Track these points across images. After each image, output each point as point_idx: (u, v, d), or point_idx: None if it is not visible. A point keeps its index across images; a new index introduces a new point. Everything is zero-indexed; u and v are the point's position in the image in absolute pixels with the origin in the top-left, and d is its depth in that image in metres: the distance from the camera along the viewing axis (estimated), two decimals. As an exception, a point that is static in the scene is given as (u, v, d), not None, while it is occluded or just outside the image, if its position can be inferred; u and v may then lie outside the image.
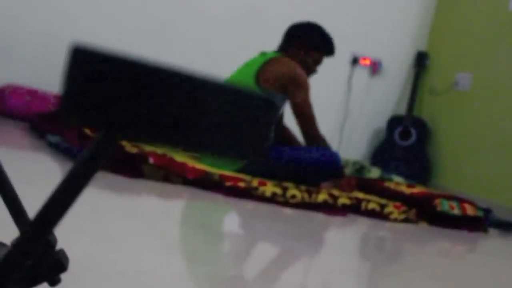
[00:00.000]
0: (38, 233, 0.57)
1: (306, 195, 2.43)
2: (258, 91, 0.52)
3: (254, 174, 2.66)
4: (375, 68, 4.62)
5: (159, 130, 0.49)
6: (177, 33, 3.95)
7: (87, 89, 0.47)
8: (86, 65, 0.47)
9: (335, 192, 2.56)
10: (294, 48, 2.94)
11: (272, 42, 4.26)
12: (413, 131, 4.50)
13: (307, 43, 2.92)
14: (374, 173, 3.30)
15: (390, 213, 2.57)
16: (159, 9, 3.87)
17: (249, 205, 2.22)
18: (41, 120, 2.82)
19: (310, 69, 2.95)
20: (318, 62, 2.96)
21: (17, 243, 0.57)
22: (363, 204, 2.55)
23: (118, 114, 0.48)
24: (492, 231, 2.91)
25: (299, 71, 2.82)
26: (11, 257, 0.57)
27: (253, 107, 0.52)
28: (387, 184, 2.97)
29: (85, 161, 0.55)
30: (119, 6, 3.76)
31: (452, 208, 2.72)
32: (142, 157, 2.23)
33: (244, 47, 4.17)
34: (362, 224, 2.35)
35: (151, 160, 2.24)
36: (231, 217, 1.94)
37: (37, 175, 1.87)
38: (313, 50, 2.93)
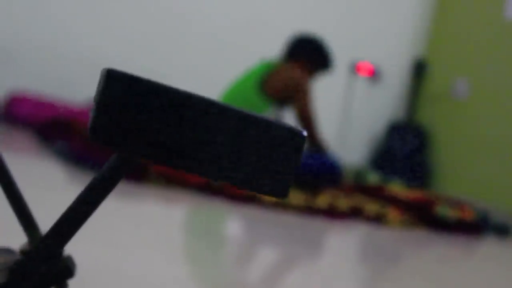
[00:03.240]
0: (50, 248, 0.57)
1: (307, 200, 2.47)
2: (286, 123, 0.52)
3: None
4: (374, 75, 4.65)
5: (185, 157, 0.49)
6: (179, 44, 3.98)
7: (119, 112, 0.48)
8: (119, 88, 0.48)
9: (335, 197, 2.59)
10: (298, 61, 2.99)
11: (271, 50, 4.29)
12: (412, 137, 4.53)
13: (312, 61, 2.99)
14: (374, 178, 3.33)
15: (389, 218, 2.60)
16: (160, 21, 3.91)
17: (251, 210, 2.25)
18: (47, 127, 2.85)
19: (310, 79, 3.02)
20: (317, 76, 3.04)
21: (28, 258, 0.58)
22: (363, 209, 2.58)
23: (147, 138, 0.48)
24: (490, 236, 2.94)
25: (303, 77, 2.87)
26: (22, 268, 0.58)
27: (281, 138, 0.51)
28: (386, 189, 3.00)
29: (100, 181, 0.55)
30: (121, 16, 3.80)
31: (451, 213, 2.75)
32: (144, 164, 2.26)
33: (245, 55, 4.21)
34: (361, 229, 2.38)
35: (152, 169, 2.28)
36: (234, 222, 1.97)
37: (44, 181, 1.89)
38: (316, 68, 3.00)
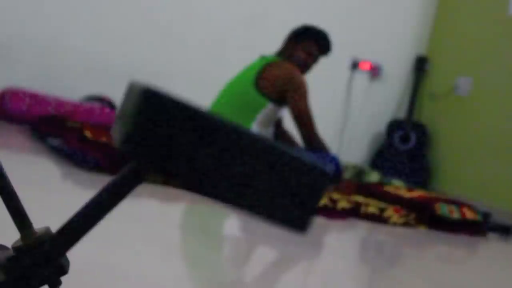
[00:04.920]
0: (55, 252, 0.57)
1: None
2: (313, 160, 0.53)
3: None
4: (375, 72, 4.63)
5: (210, 183, 0.50)
6: (179, 38, 3.96)
7: (152, 131, 0.49)
8: (156, 108, 0.49)
9: (335, 196, 2.56)
10: (286, 47, 2.96)
11: (273, 47, 4.26)
12: (412, 135, 4.50)
13: (293, 36, 2.95)
14: (374, 177, 3.30)
15: (390, 217, 2.57)
16: (161, 16, 3.88)
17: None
18: (42, 123, 2.83)
19: (304, 64, 2.92)
20: (309, 53, 2.93)
21: (21, 254, 0.58)
22: (363, 208, 2.55)
23: (179, 160, 0.49)
24: (492, 235, 2.91)
25: (298, 74, 2.82)
26: (14, 265, 0.58)
27: (306, 175, 0.52)
28: (386, 188, 2.97)
29: (113, 189, 0.55)
30: (120, 11, 3.77)
31: (452, 212, 2.72)
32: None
33: (245, 52, 4.18)
34: (361, 228, 2.35)
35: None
36: (231, 221, 1.94)
37: (37, 178, 1.87)
38: (300, 41, 2.93)
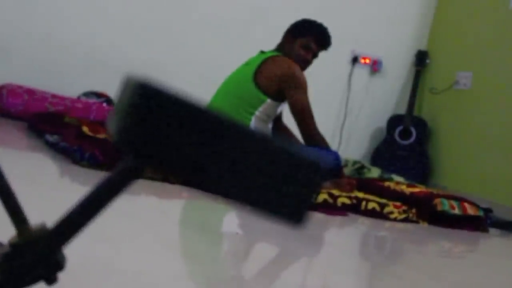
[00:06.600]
0: (49, 248, 0.58)
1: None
2: (309, 154, 0.54)
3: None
4: (375, 67, 4.61)
5: (207, 175, 0.51)
6: (178, 33, 3.94)
7: (148, 126, 0.49)
8: (152, 104, 0.48)
9: (335, 192, 2.55)
10: (285, 42, 2.93)
11: (273, 41, 4.24)
12: (413, 131, 4.48)
13: (292, 31, 2.93)
14: (374, 172, 3.28)
15: (390, 212, 2.56)
16: (160, 10, 3.86)
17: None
18: (39, 119, 2.81)
19: (304, 59, 2.89)
20: (308, 48, 2.89)
21: (17, 251, 0.58)
22: (363, 204, 2.53)
23: (176, 154, 0.49)
24: (493, 231, 2.90)
25: (297, 70, 2.79)
26: (10, 262, 0.58)
27: (301, 169, 0.53)
28: (387, 183, 2.95)
29: (109, 184, 0.55)
30: (118, 5, 3.74)
31: (453, 207, 2.70)
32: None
33: (245, 47, 4.16)
34: (361, 224, 2.33)
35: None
36: (230, 217, 1.92)
37: (35, 175, 1.85)
38: (299, 36, 2.90)
